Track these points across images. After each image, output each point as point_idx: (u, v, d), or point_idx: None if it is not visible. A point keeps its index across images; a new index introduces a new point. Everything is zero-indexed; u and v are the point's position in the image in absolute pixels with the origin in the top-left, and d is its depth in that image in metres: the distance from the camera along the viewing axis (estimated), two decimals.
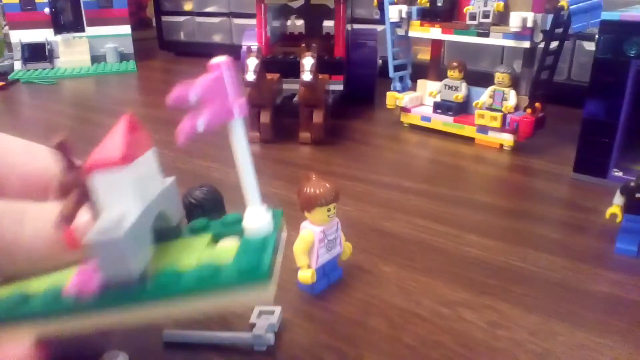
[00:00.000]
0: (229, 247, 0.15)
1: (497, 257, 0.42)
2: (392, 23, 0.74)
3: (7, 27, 1.23)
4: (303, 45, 0.68)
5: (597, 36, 0.53)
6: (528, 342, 0.33)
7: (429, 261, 0.42)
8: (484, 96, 0.69)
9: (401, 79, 0.78)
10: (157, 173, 0.15)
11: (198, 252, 0.15)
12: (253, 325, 0.32)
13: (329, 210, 0.35)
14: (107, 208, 0.13)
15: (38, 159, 0.19)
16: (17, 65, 1.21)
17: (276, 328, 0.33)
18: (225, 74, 0.14)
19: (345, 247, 0.39)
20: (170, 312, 0.14)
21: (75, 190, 0.14)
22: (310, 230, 0.36)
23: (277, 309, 0.34)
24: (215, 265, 0.13)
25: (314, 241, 0.36)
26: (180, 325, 0.33)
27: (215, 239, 0.16)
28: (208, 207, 0.37)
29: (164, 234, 0.15)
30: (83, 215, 0.14)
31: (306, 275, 0.36)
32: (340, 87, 0.80)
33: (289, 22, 0.99)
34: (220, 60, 0.14)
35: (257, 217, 0.15)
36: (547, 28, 0.62)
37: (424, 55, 0.93)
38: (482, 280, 0.39)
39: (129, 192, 0.13)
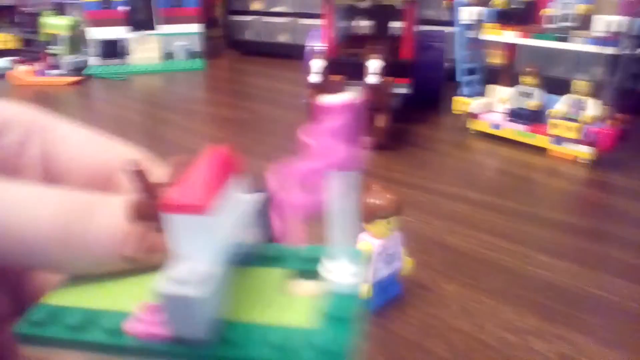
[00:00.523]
0: (306, 300, 0.13)
1: (569, 282, 0.39)
2: (463, 25, 0.71)
3: (84, 24, 1.28)
4: (368, 46, 0.66)
5: None
6: None
7: (494, 281, 0.39)
8: (559, 104, 0.64)
9: (470, 83, 0.75)
10: (242, 201, 0.14)
11: (271, 297, 0.13)
12: None
13: (389, 223, 0.33)
14: (183, 253, 0.12)
15: (101, 152, 0.18)
16: (92, 60, 1.26)
17: None
18: (350, 120, 0.11)
19: (405, 262, 0.37)
20: None
21: (149, 217, 0.13)
22: (369, 242, 0.34)
23: None
24: (292, 333, 0.12)
25: (372, 254, 0.34)
26: None
27: (291, 273, 0.14)
28: None
29: (237, 259, 0.14)
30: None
31: (362, 290, 0.34)
32: (405, 91, 0.77)
33: (353, 23, 0.98)
34: (346, 100, 0.11)
35: (343, 274, 0.13)
36: (636, 33, 0.57)
37: (495, 59, 0.89)
38: (552, 306, 0.36)
39: (208, 239, 0.12)
